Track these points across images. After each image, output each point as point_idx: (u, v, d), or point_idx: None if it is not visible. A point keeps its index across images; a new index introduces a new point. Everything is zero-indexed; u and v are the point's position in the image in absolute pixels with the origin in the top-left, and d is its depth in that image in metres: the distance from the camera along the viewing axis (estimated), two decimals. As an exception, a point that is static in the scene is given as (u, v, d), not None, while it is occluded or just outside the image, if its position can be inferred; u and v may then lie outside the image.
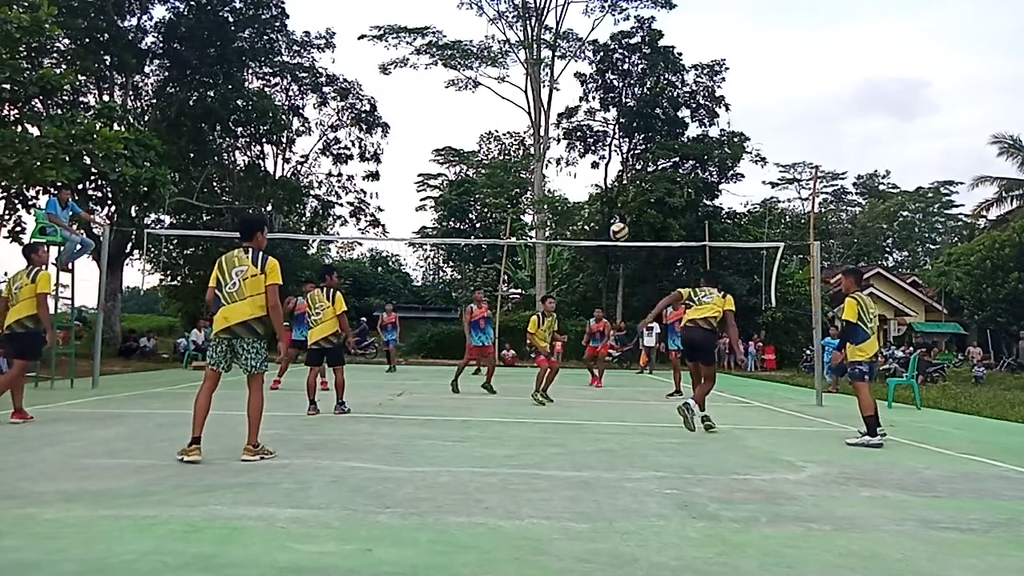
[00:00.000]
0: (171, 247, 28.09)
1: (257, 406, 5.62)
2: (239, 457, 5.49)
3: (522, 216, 41.20)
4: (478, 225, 43.98)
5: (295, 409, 9.24)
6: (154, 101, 25.97)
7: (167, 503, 4.09)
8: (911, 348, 24.24)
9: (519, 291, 38.81)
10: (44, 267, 8.05)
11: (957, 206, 53.54)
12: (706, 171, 30.24)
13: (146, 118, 24.69)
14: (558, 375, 11.62)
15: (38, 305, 7.54)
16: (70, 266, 11.95)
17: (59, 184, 12.40)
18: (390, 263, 50.04)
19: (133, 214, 22.49)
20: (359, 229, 34.73)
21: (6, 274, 43.38)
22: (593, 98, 30.89)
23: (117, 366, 17.64)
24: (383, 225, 35.56)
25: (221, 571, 3.01)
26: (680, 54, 30.26)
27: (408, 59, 33.30)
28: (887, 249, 56.01)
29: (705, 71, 30.46)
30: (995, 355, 29.62)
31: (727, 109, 30.50)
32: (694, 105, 30.57)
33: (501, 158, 48.66)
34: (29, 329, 7.52)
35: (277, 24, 27.54)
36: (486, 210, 42.94)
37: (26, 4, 13.44)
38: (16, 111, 14.84)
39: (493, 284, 35.75)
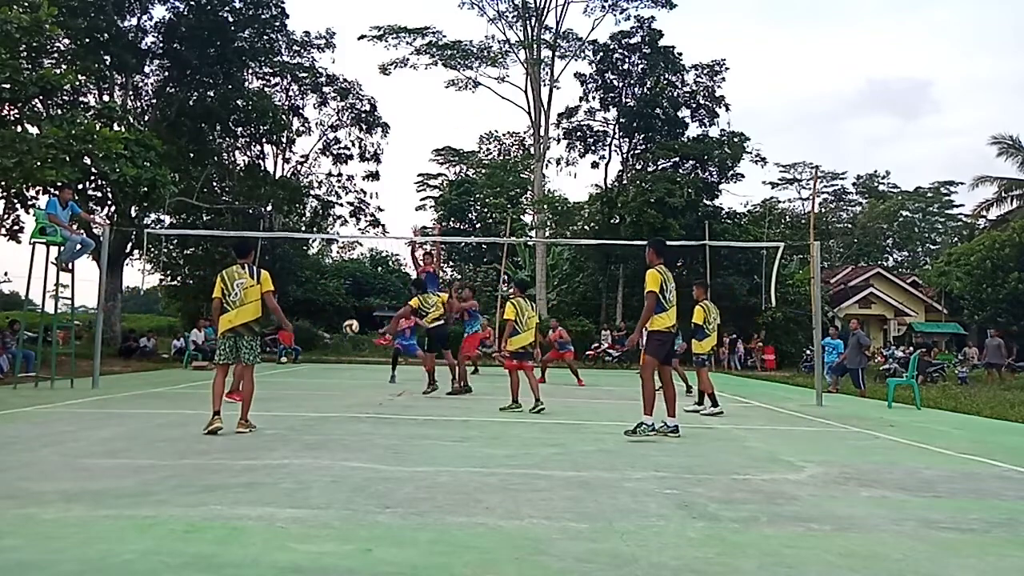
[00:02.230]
0: (171, 247, 28.11)
1: (249, 389, 7.11)
2: (235, 430, 6.80)
3: (522, 216, 41.21)
4: (478, 225, 44.00)
5: (296, 409, 9.25)
6: (154, 101, 25.95)
7: (167, 503, 4.09)
8: (911, 348, 24.23)
9: (519, 291, 38.72)
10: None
11: (957, 206, 53.61)
12: (706, 171, 30.21)
13: (146, 118, 24.68)
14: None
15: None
16: (70, 266, 11.95)
17: (59, 184, 12.39)
18: (390, 263, 50.04)
19: (133, 214, 22.50)
20: (359, 229, 34.76)
21: (6, 274, 42.66)
22: (593, 98, 30.91)
23: (117, 366, 17.64)
24: (383, 225, 35.61)
25: (221, 571, 3.01)
26: (680, 54, 30.28)
27: (408, 59, 33.33)
28: (887, 249, 56.00)
29: (705, 71, 30.46)
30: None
31: (727, 109, 30.51)
32: (694, 105, 30.55)
33: (501, 158, 48.67)
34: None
35: (277, 24, 27.52)
36: (486, 210, 42.95)
37: (26, 4, 13.43)
38: (16, 111, 14.84)
39: (493, 284, 35.76)
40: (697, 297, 10.12)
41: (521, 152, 46.54)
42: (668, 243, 23.42)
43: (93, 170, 16.31)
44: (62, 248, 11.51)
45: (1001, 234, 29.91)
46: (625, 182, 30.86)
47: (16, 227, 18.88)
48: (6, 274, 51.84)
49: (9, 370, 13.46)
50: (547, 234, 33.16)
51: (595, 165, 31.28)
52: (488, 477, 5.07)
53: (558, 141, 31.92)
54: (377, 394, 11.70)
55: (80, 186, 16.95)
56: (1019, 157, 33.11)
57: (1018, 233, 28.51)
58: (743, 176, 30.92)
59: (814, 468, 5.82)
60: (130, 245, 24.02)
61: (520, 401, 9.59)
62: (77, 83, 19.45)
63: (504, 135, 49.65)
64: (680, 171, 29.67)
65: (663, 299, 7.42)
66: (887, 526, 4.04)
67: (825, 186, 57.37)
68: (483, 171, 47.29)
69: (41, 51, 17.03)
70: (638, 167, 31.09)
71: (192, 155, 26.27)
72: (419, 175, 52.41)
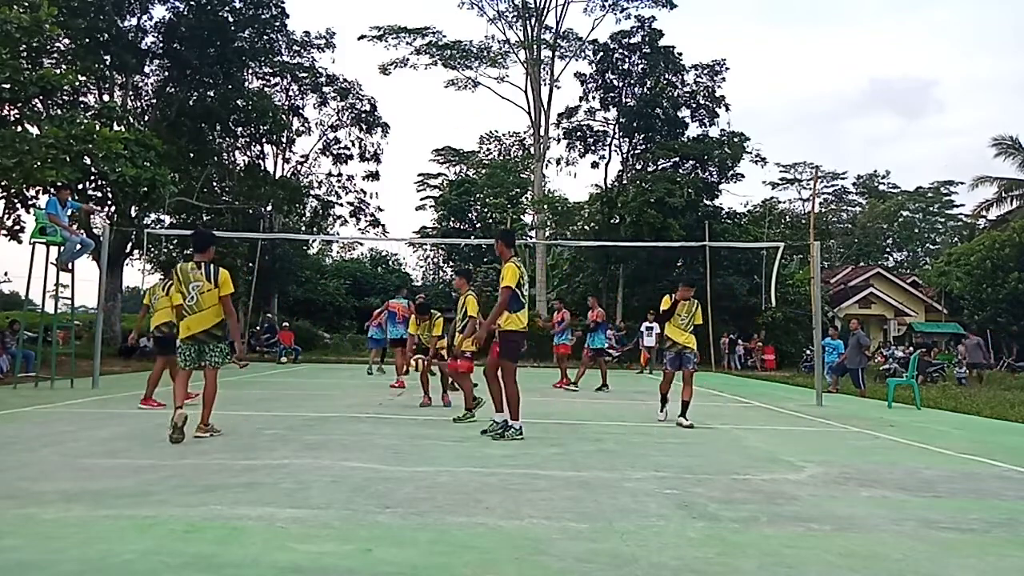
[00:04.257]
0: (171, 247, 28.11)
1: (211, 392, 6.52)
2: (193, 434, 6.32)
3: (522, 216, 41.18)
4: (478, 225, 43.97)
5: (296, 409, 9.25)
6: (154, 101, 25.95)
7: (167, 503, 4.09)
8: (911, 348, 24.23)
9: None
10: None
11: (957, 206, 53.63)
12: (706, 171, 30.23)
13: (146, 118, 24.68)
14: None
15: (173, 314, 8.85)
16: (70, 266, 11.95)
17: (59, 184, 12.39)
18: (390, 263, 50.03)
19: (133, 214, 22.49)
20: (359, 229, 34.77)
21: (6, 274, 42.78)
22: (593, 98, 30.91)
23: (117, 366, 17.63)
24: (383, 225, 35.61)
25: (221, 571, 3.01)
26: (680, 54, 30.29)
27: (408, 59, 33.32)
28: (887, 249, 55.99)
29: (705, 71, 30.46)
30: (995, 355, 29.59)
31: (727, 109, 30.53)
32: (694, 105, 30.56)
33: (501, 158, 48.65)
34: (165, 333, 8.77)
35: (277, 24, 27.53)
36: (486, 210, 42.93)
37: (26, 4, 13.43)
38: (16, 111, 14.83)
39: (493, 284, 35.72)
40: (684, 297, 8.90)
41: (521, 152, 46.52)
42: (667, 244, 22.98)
43: (93, 170, 16.30)
44: (62, 248, 11.51)
45: (1001, 234, 29.92)
46: (625, 182, 30.85)
47: (17, 227, 18.87)
48: (6, 274, 51.74)
49: (9, 370, 13.46)
50: (547, 234, 33.14)
51: (595, 165, 31.29)
52: (488, 477, 5.07)
53: (558, 141, 31.96)
54: (377, 394, 11.70)
55: (80, 186, 16.94)
56: (1019, 157, 33.12)
57: (1018, 233, 28.51)
58: (743, 176, 30.97)
59: (814, 468, 5.82)
60: (130, 245, 24.02)
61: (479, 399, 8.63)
62: (77, 83, 19.42)
63: (504, 135, 49.66)
64: (680, 171, 29.67)
65: (520, 294, 6.94)
66: (887, 526, 4.04)
67: (825, 186, 57.42)
68: (483, 171, 47.26)
69: (41, 51, 17.03)
70: (638, 167, 31.09)
71: (192, 155, 26.27)
72: (419, 175, 52.45)
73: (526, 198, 39.29)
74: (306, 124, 31.99)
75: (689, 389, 8.52)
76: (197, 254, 6.58)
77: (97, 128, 15.03)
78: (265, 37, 27.48)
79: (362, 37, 33.16)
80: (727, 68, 30.37)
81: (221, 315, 6.49)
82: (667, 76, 29.90)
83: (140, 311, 10.10)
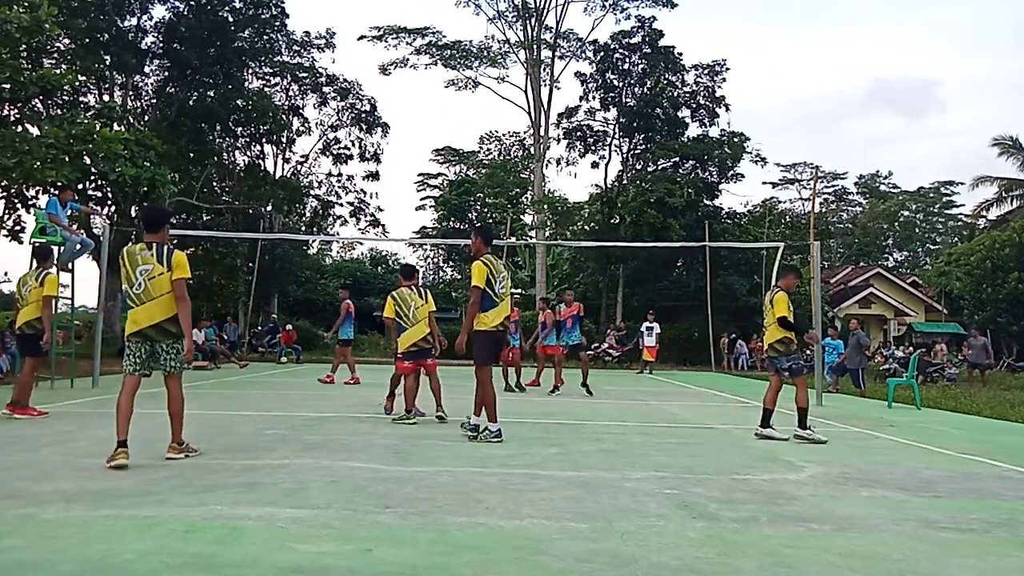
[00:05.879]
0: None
1: (178, 405, 5.44)
2: (165, 456, 5.36)
3: (522, 216, 41.18)
4: (478, 225, 43.98)
5: (296, 409, 9.25)
6: (154, 101, 25.98)
7: (167, 503, 4.09)
8: (911, 348, 24.22)
9: (519, 291, 38.81)
10: (52, 270, 8.40)
11: (958, 206, 53.55)
12: (706, 171, 30.24)
13: (146, 118, 24.70)
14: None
15: (42, 307, 7.88)
16: (70, 266, 11.95)
17: (59, 184, 12.39)
18: (390, 263, 50.03)
19: (133, 214, 22.50)
20: (359, 229, 34.79)
21: (6, 274, 42.95)
22: (593, 98, 30.92)
23: (117, 366, 17.55)
24: (383, 225, 35.63)
25: (221, 571, 3.01)
26: (680, 54, 30.30)
27: (408, 59, 33.34)
28: (887, 249, 55.98)
29: (705, 71, 30.47)
30: (995, 355, 29.57)
31: (727, 109, 30.54)
32: (694, 105, 30.58)
33: (501, 158, 48.66)
34: (38, 330, 7.85)
35: (277, 24, 27.57)
36: (486, 210, 42.94)
37: (26, 4, 13.44)
38: (16, 111, 14.84)
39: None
40: (788, 285, 8.03)
41: (521, 152, 46.53)
42: (667, 244, 22.69)
43: (93, 170, 16.30)
44: (62, 248, 11.50)
45: (1001, 234, 29.89)
46: (625, 182, 30.86)
47: (17, 227, 18.88)
48: (6, 274, 51.59)
49: (9, 370, 13.45)
50: (547, 234, 33.14)
51: (595, 165, 31.30)
52: (488, 477, 5.07)
53: (558, 141, 31.98)
54: (377, 394, 11.66)
55: (80, 186, 16.93)
56: (1019, 157, 33.11)
57: (1018, 233, 28.48)
58: (743, 176, 30.98)
59: (814, 468, 5.82)
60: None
61: (415, 407, 8.29)
62: (77, 83, 19.43)
63: (504, 135, 49.65)
64: (680, 171, 29.69)
65: (492, 293, 6.75)
66: (887, 526, 4.04)
67: (826, 186, 57.34)
68: (483, 171, 47.28)
69: (41, 51, 17.05)
70: (638, 167, 31.11)
71: (192, 155, 26.28)
72: (419, 175, 52.41)
73: (526, 198, 39.30)
74: (306, 124, 32.04)
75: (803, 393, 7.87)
76: (148, 233, 5.53)
77: (97, 128, 15.03)
78: (265, 37, 27.51)
79: (362, 37, 33.21)
80: (727, 68, 30.40)
81: (175, 307, 5.33)
82: (667, 76, 29.91)
83: (14, 305, 8.76)
